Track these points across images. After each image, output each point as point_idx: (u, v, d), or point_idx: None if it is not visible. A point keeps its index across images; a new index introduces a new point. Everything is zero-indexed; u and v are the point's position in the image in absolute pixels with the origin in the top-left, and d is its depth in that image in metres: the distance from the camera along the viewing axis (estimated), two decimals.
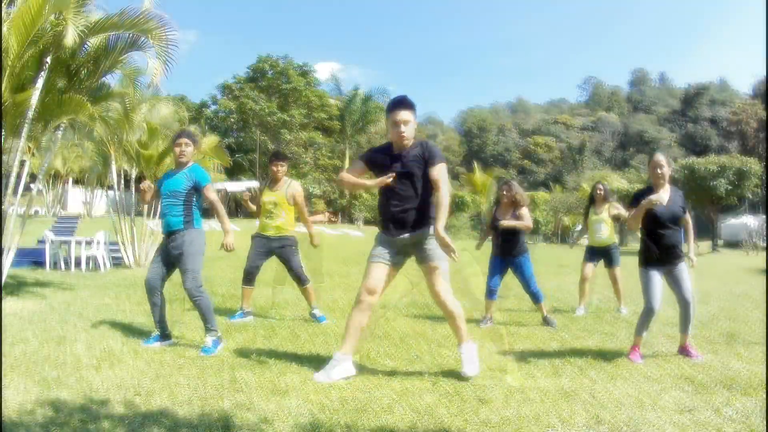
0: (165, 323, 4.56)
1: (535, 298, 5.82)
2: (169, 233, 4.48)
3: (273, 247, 5.71)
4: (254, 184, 36.41)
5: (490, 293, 5.86)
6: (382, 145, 3.88)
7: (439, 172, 3.57)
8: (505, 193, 5.88)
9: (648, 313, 4.26)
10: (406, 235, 3.65)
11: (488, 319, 5.82)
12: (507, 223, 5.74)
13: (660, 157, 4.40)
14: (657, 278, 4.27)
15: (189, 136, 4.63)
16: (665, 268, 4.31)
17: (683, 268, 4.29)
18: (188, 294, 4.38)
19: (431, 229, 3.61)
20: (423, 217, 3.64)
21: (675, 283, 4.32)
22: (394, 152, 3.70)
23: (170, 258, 4.48)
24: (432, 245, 3.62)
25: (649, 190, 4.41)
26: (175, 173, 4.57)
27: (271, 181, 5.80)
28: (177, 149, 4.55)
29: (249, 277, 5.70)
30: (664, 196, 4.26)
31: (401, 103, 3.66)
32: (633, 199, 4.50)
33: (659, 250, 4.28)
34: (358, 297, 3.67)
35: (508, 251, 5.83)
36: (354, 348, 3.68)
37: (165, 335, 4.55)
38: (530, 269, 5.86)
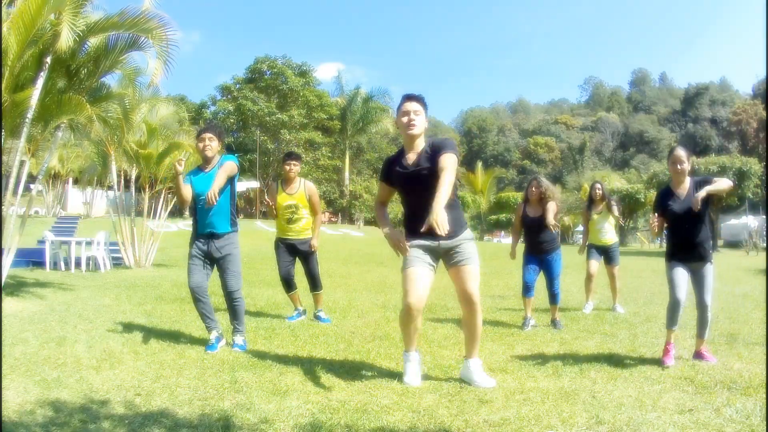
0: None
1: (554, 299, 5.75)
2: (212, 235, 4.31)
3: (297, 248, 5.71)
4: (254, 184, 36.39)
5: (527, 290, 5.69)
6: (394, 156, 3.67)
7: (447, 159, 3.30)
8: (534, 189, 5.73)
9: (673, 305, 4.07)
10: (448, 241, 3.44)
11: (530, 319, 5.62)
12: (552, 221, 5.62)
13: (681, 152, 4.15)
14: (680, 270, 4.09)
15: (213, 130, 4.35)
16: (690, 265, 4.13)
17: (708, 271, 4.12)
18: (231, 295, 4.38)
19: (467, 232, 3.55)
20: (455, 219, 3.38)
21: (697, 284, 4.16)
22: (407, 163, 3.51)
23: (211, 259, 4.36)
24: (469, 247, 3.52)
25: (668, 191, 4.27)
26: (208, 172, 4.30)
27: (283, 181, 5.72)
28: (201, 144, 4.30)
29: (288, 283, 5.77)
30: (682, 193, 4.14)
31: (411, 96, 3.54)
32: (657, 203, 4.33)
33: (680, 244, 4.14)
34: (408, 311, 3.42)
35: (541, 248, 5.73)
36: (416, 342, 3.61)
37: (220, 334, 4.40)
38: (559, 268, 5.80)
